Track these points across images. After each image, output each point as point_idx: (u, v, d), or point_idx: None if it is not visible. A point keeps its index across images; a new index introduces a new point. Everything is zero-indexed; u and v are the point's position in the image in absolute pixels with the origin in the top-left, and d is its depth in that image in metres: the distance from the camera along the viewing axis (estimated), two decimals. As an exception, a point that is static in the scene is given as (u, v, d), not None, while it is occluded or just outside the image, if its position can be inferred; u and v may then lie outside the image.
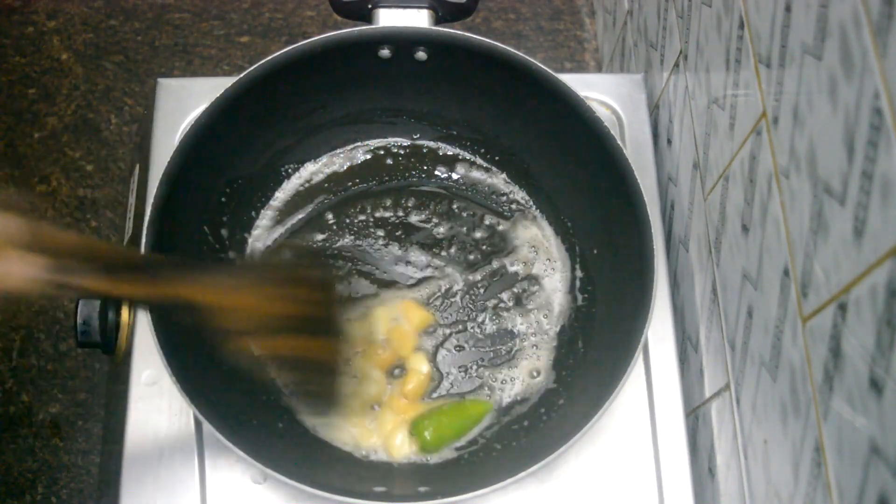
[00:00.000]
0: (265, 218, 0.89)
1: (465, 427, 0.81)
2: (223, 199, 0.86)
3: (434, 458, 0.80)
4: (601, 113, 0.82)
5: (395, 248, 0.88)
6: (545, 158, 0.89)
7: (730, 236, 0.74)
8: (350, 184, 0.91)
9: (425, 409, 0.81)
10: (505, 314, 0.86)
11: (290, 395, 0.80)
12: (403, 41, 0.84)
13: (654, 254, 0.74)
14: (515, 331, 0.85)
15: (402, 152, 0.93)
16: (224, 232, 0.86)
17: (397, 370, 0.83)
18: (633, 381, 0.81)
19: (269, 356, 0.71)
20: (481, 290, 0.87)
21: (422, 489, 0.73)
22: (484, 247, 0.89)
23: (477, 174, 0.92)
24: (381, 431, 0.80)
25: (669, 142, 0.93)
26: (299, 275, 0.75)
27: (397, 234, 0.89)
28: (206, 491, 0.77)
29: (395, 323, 0.85)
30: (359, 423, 0.80)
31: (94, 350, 0.85)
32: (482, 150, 0.92)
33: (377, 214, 0.90)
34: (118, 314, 0.81)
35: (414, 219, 0.90)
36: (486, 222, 0.90)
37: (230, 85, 0.79)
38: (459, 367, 0.84)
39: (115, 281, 0.61)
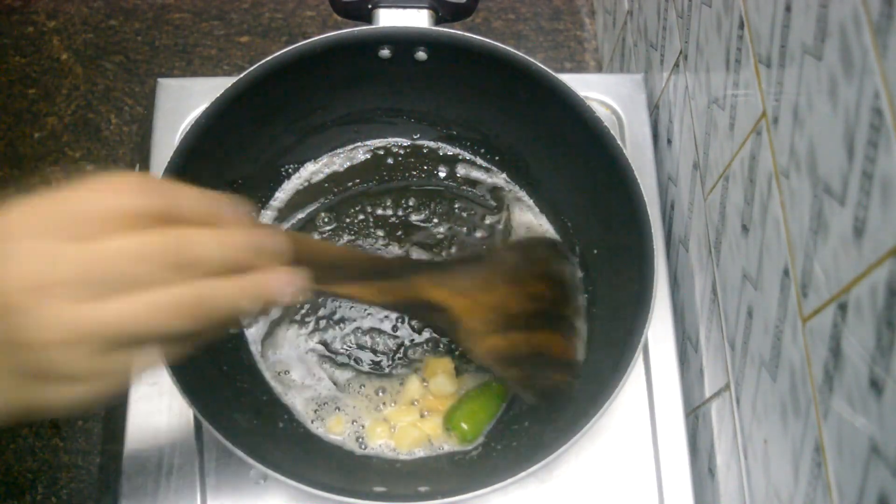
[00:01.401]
0: (265, 218, 0.89)
1: (495, 408, 0.81)
2: (223, 199, 0.86)
3: (434, 457, 0.80)
4: (601, 113, 0.82)
5: (395, 248, 0.88)
6: (545, 158, 0.89)
7: (730, 236, 0.74)
8: (350, 184, 0.91)
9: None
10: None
11: (518, 389, 0.77)
12: (403, 41, 0.84)
13: (654, 254, 0.74)
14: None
15: (402, 152, 0.93)
16: (224, 232, 0.86)
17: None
18: (633, 381, 0.81)
19: (503, 353, 0.72)
20: (481, 290, 0.87)
21: (422, 489, 0.73)
22: (484, 247, 0.89)
23: (477, 174, 0.92)
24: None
25: (669, 142, 0.93)
26: (542, 270, 0.77)
27: (397, 233, 0.89)
28: (206, 491, 0.77)
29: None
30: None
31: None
32: (482, 150, 0.92)
33: (377, 214, 0.90)
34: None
35: (414, 219, 0.90)
36: (487, 222, 0.90)
37: (230, 85, 0.79)
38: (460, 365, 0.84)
39: (364, 286, 0.66)
